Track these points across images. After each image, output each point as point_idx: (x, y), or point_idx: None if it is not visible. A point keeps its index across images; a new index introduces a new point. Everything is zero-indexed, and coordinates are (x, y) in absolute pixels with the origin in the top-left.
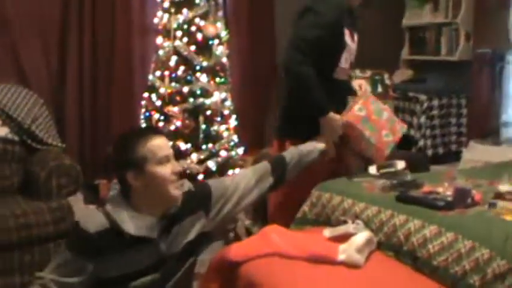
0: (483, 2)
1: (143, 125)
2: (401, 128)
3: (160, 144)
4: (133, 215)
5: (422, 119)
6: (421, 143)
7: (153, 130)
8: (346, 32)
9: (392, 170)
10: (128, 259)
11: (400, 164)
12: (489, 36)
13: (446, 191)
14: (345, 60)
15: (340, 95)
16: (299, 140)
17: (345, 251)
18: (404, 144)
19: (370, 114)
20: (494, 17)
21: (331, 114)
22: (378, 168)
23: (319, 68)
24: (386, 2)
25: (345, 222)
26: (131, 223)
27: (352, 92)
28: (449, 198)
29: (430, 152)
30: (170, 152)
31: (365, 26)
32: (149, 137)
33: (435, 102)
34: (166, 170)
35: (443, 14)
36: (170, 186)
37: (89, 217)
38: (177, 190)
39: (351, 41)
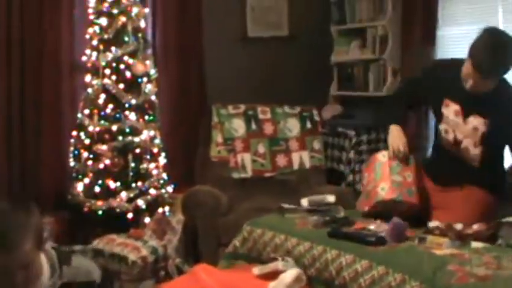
0: (409, 39)
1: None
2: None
3: None
4: None
5: (351, 154)
6: (350, 177)
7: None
8: (450, 104)
9: (323, 202)
10: None
11: (330, 198)
12: (416, 72)
13: (378, 227)
14: (445, 132)
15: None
16: None
17: None
18: (333, 179)
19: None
20: (420, 53)
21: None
22: (310, 201)
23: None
24: (315, 39)
25: (274, 259)
26: None
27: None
28: (382, 234)
29: (359, 186)
30: None
31: (293, 63)
32: None
33: (364, 137)
34: None
35: (370, 50)
36: None
37: None
38: None
39: (453, 115)
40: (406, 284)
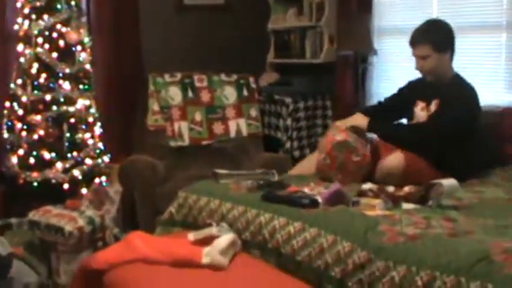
0: (345, 6)
1: None
2: None
3: None
4: None
5: (289, 121)
6: (287, 145)
7: None
8: (419, 103)
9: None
10: None
11: None
12: (352, 39)
13: (312, 190)
14: None
15: None
16: None
17: (209, 254)
18: (271, 146)
19: None
20: (357, 21)
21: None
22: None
23: None
24: (251, 6)
25: (209, 225)
26: None
27: None
28: (316, 197)
29: (297, 153)
30: None
31: (229, 31)
32: None
33: (301, 105)
34: None
35: (307, 18)
36: None
37: None
38: None
39: (420, 111)
40: (338, 245)
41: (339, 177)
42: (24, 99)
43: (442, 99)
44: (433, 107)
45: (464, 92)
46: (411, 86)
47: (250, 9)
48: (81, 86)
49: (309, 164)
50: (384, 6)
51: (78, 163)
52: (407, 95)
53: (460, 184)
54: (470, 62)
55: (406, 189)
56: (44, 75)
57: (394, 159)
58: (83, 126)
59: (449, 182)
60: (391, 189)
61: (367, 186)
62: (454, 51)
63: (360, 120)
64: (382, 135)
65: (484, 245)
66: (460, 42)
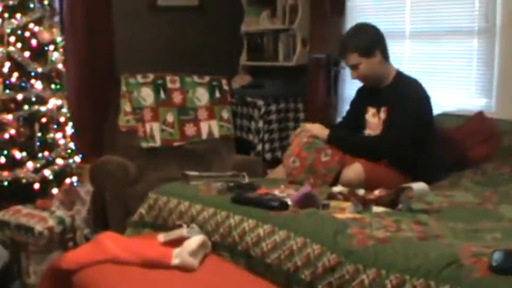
0: (319, 9)
1: None
2: None
3: None
4: None
5: (260, 124)
6: (259, 147)
7: None
8: (369, 110)
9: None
10: None
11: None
12: (324, 42)
13: (283, 192)
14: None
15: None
16: None
17: (179, 255)
18: (243, 148)
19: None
20: (330, 24)
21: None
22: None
23: None
24: (225, 8)
25: (179, 226)
26: None
27: None
28: (286, 199)
29: (268, 156)
30: None
31: (203, 33)
32: None
33: (273, 107)
34: None
35: (280, 20)
36: None
37: None
38: None
39: (371, 117)
40: (308, 247)
41: (311, 181)
42: None
43: (390, 104)
44: (382, 114)
45: (408, 89)
46: (360, 93)
47: (224, 11)
48: (53, 86)
49: (282, 170)
50: (357, 10)
51: (49, 163)
52: (358, 103)
53: (430, 188)
54: (443, 66)
55: (377, 192)
56: (15, 75)
57: (353, 171)
58: (55, 126)
59: (419, 186)
60: (361, 192)
61: (338, 189)
62: (386, 51)
63: (321, 131)
64: (342, 149)
65: (454, 249)
66: (432, 47)
